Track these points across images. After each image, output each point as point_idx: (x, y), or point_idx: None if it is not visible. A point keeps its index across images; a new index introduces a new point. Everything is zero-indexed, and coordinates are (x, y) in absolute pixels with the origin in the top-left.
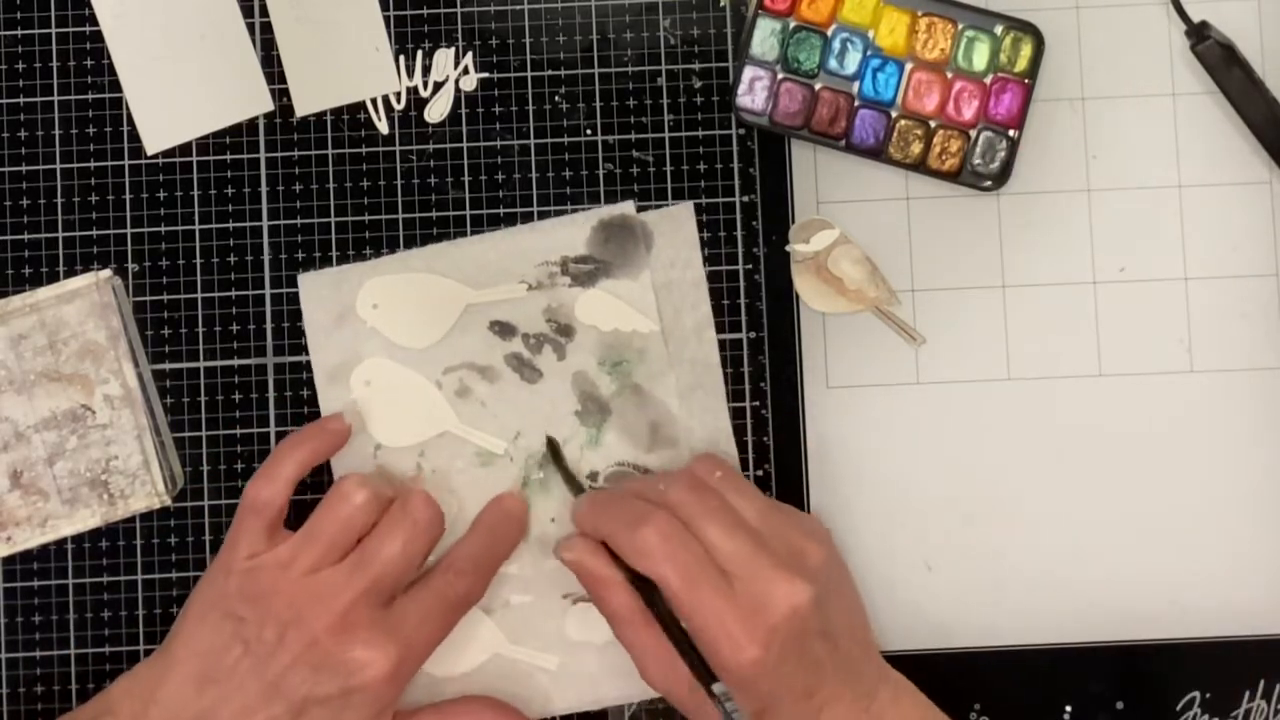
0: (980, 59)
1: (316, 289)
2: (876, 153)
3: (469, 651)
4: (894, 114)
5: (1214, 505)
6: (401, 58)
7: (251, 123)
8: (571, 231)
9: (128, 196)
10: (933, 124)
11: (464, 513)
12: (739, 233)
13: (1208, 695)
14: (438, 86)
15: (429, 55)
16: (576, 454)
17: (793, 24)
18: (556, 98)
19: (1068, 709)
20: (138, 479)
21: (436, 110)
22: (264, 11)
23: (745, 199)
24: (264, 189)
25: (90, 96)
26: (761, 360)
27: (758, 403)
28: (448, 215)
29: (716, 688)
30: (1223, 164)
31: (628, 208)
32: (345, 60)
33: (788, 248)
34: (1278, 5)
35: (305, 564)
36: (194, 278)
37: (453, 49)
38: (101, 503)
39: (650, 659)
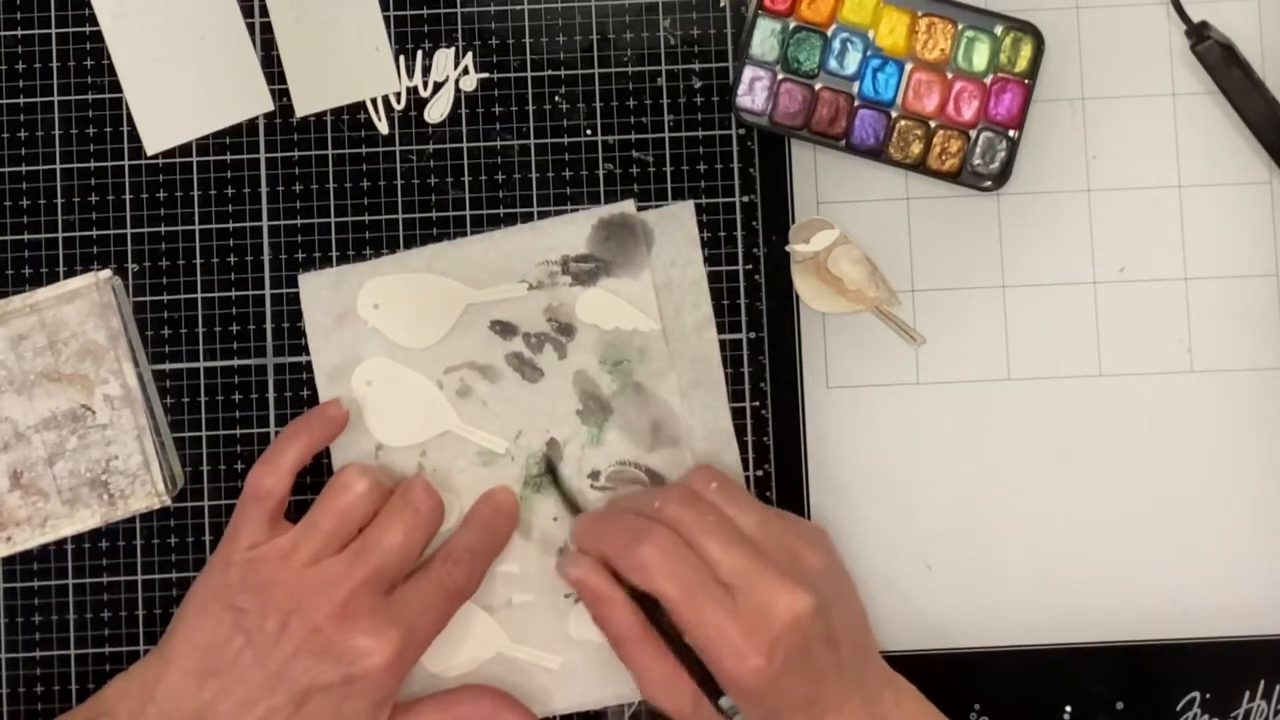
0: (980, 59)
1: (317, 289)
2: (876, 153)
3: (471, 650)
4: (894, 114)
5: (1214, 505)
6: (401, 58)
7: (251, 123)
8: (572, 230)
9: (128, 196)
10: (933, 124)
11: (465, 512)
12: (739, 233)
13: (1208, 695)
14: (438, 86)
15: (429, 55)
16: (578, 453)
17: (793, 24)
18: (556, 98)
19: (1068, 709)
20: (138, 479)
21: (436, 110)
22: (264, 11)
23: (745, 199)
24: (264, 189)
25: (90, 96)
26: (761, 360)
27: (758, 403)
28: (448, 215)
29: (723, 701)
30: (1223, 164)
31: (628, 206)
32: (345, 60)
33: (788, 248)
34: (1278, 5)
35: (306, 554)
36: (194, 278)
37: (453, 49)
38: (101, 503)
39: (654, 675)
